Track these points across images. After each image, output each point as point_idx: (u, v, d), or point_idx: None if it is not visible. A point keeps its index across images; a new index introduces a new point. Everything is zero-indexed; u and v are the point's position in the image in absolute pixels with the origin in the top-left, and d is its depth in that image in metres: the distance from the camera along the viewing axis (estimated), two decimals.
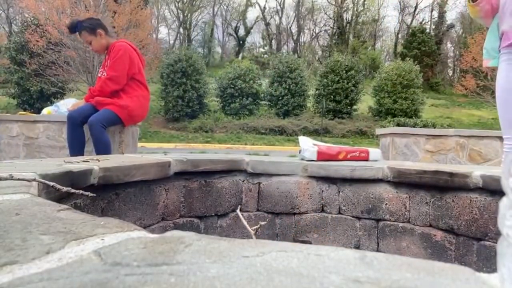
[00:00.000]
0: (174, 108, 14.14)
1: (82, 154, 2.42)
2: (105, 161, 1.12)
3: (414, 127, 10.57)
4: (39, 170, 0.79)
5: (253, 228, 0.91)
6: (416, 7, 32.15)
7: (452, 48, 31.90)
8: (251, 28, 32.95)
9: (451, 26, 30.75)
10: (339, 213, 1.41)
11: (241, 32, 33.06)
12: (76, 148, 2.40)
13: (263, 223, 1.00)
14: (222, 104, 15.46)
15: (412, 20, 32.18)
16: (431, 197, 1.26)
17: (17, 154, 3.11)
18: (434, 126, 11.58)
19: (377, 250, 1.37)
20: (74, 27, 2.51)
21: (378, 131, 3.86)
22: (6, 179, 0.67)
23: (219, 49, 34.60)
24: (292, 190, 1.41)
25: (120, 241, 0.35)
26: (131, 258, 0.30)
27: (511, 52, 1.62)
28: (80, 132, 2.42)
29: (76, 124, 2.39)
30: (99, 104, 2.44)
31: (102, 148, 2.31)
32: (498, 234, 0.38)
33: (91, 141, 2.41)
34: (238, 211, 1.09)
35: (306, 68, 17.21)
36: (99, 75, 2.53)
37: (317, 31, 31.76)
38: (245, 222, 0.94)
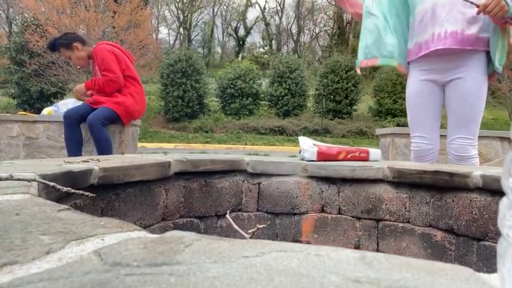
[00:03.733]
0: (174, 108, 14.13)
1: (80, 154, 2.42)
2: (105, 161, 1.12)
3: None
4: (39, 170, 0.79)
5: (249, 231, 0.91)
6: None
7: None
8: (251, 28, 32.95)
9: None
10: (339, 213, 1.41)
11: (241, 32, 33.06)
12: (74, 148, 2.39)
13: (260, 226, 1.00)
14: (222, 104, 15.46)
15: None
16: (431, 197, 1.26)
17: (17, 154, 3.11)
18: None
19: (377, 250, 1.37)
20: (53, 45, 2.49)
21: (378, 131, 3.86)
22: (6, 179, 0.67)
23: (219, 49, 34.60)
24: (292, 190, 1.41)
25: (120, 241, 0.35)
26: (131, 258, 0.30)
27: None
28: (77, 131, 2.42)
29: (72, 123, 2.39)
30: (95, 103, 2.43)
31: (104, 146, 2.30)
32: (498, 234, 0.38)
33: (91, 140, 2.41)
34: (227, 215, 1.08)
35: (306, 68, 17.21)
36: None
37: (317, 31, 31.74)
38: (236, 226, 0.93)
